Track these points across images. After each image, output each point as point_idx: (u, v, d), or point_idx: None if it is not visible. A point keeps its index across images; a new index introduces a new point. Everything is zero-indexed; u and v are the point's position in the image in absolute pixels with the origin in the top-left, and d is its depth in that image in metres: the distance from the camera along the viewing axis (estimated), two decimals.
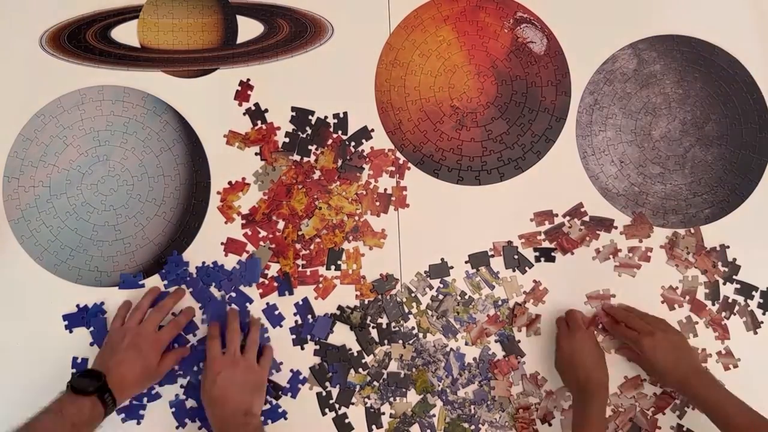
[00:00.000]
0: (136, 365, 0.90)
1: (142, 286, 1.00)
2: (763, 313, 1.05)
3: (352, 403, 1.00)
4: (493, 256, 1.04)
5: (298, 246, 1.03)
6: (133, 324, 0.94)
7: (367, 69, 1.08)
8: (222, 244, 1.02)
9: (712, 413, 0.88)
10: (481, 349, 1.02)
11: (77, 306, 1.00)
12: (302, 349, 1.00)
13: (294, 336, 1.00)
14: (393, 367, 1.01)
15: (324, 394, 0.99)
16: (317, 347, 1.00)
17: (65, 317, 0.99)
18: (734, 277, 1.05)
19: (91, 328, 0.99)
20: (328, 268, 1.02)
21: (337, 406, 0.99)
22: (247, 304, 1.01)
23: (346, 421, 0.99)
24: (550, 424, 1.01)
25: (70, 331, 0.99)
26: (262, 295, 1.01)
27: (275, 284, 1.02)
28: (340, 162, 1.05)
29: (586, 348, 0.95)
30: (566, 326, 0.99)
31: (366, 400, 1.00)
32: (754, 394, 0.88)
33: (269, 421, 0.98)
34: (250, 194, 1.04)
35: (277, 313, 1.01)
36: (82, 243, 1.01)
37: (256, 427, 0.89)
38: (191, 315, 0.99)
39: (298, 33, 1.08)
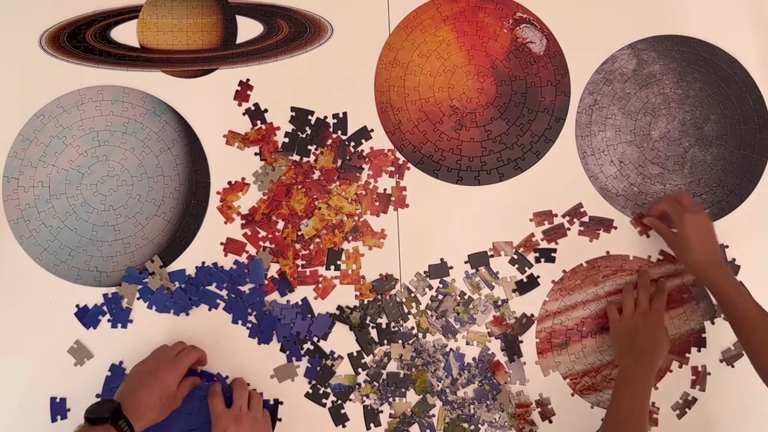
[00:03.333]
0: (153, 390, 0.88)
1: (145, 283, 1.00)
2: None
3: (350, 400, 1.00)
4: (492, 256, 1.04)
5: (297, 246, 1.03)
6: (150, 357, 0.94)
7: (367, 69, 1.08)
8: (221, 244, 1.02)
9: (720, 301, 0.94)
10: (481, 348, 1.02)
11: (76, 306, 1.00)
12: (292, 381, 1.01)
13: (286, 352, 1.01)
14: (392, 367, 1.01)
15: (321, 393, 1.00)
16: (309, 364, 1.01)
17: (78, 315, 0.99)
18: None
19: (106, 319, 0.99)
20: (327, 268, 1.03)
21: (335, 399, 1.00)
22: (249, 305, 1.01)
23: (342, 411, 0.99)
24: (550, 421, 1.01)
25: (87, 327, 0.99)
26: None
27: (274, 284, 1.02)
28: (339, 162, 1.05)
29: (661, 329, 0.98)
30: (647, 298, 1.00)
31: (364, 398, 1.00)
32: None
33: None
34: (250, 194, 1.04)
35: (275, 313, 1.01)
36: (82, 243, 1.01)
37: None
38: (204, 354, 0.98)
39: (298, 33, 1.08)
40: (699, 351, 1.03)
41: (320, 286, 1.02)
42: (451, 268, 1.04)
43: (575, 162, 1.08)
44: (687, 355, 1.03)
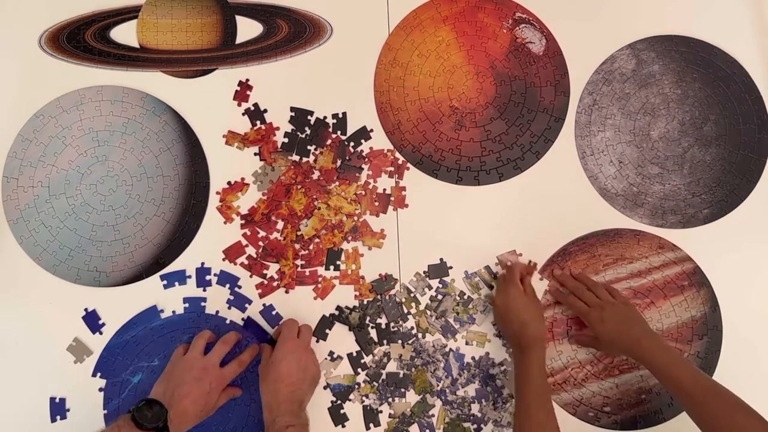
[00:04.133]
0: (200, 401, 0.87)
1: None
2: None
3: (350, 400, 1.00)
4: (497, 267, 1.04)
5: (297, 246, 1.03)
6: (197, 355, 0.92)
7: (366, 69, 1.08)
8: (222, 252, 1.02)
9: (661, 376, 0.88)
10: (483, 346, 1.02)
11: (84, 309, 1.00)
12: None
13: None
14: (392, 367, 1.01)
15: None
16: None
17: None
18: None
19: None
20: (327, 269, 1.03)
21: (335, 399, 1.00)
22: (246, 305, 1.01)
23: (341, 411, 0.99)
24: None
25: (94, 332, 0.99)
26: (261, 296, 1.01)
27: (274, 284, 1.02)
28: (339, 162, 1.05)
29: (521, 301, 0.96)
30: (510, 276, 0.99)
31: (364, 398, 1.00)
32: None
33: None
34: (249, 194, 1.04)
35: (274, 313, 1.01)
36: (81, 243, 1.01)
37: (303, 426, 0.88)
38: (255, 353, 0.97)
39: (297, 33, 1.08)
40: (701, 339, 1.03)
41: (320, 286, 1.02)
42: (451, 268, 1.04)
43: (575, 162, 1.08)
44: (689, 342, 1.03)
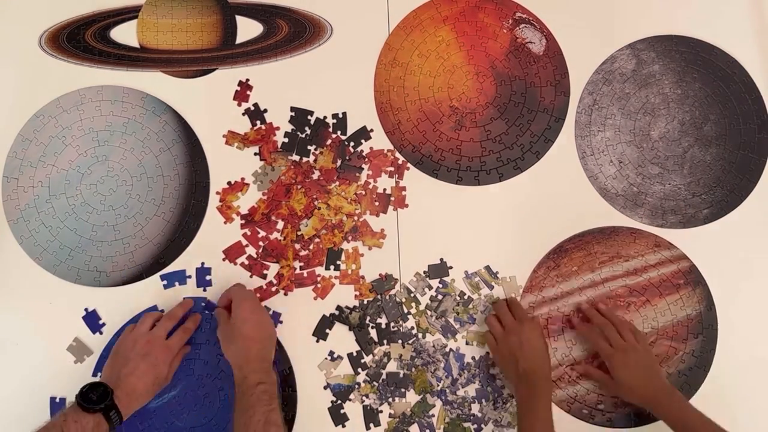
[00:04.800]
0: (147, 375, 0.88)
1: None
2: None
3: (350, 400, 1.00)
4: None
5: (297, 246, 1.03)
6: (144, 330, 0.93)
7: (366, 69, 1.08)
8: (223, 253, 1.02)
9: (678, 427, 0.89)
10: (483, 346, 1.02)
11: (85, 309, 1.00)
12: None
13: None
14: (392, 367, 1.01)
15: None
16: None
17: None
18: None
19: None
20: (327, 268, 1.03)
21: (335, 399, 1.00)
22: None
23: (342, 411, 0.99)
24: None
25: (94, 332, 0.99)
26: (260, 300, 1.01)
27: (273, 290, 1.02)
28: (339, 162, 1.05)
29: (534, 339, 0.95)
30: (511, 316, 0.98)
31: (364, 398, 1.00)
32: None
33: None
34: (250, 194, 1.04)
35: (272, 312, 1.01)
36: (81, 243, 1.01)
37: (273, 384, 0.89)
38: (198, 321, 0.98)
39: (297, 33, 1.08)
40: (696, 338, 1.03)
41: (319, 286, 1.02)
42: (451, 268, 1.04)
43: (575, 162, 1.08)
44: (684, 341, 1.03)
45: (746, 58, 1.11)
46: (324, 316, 1.01)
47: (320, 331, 1.01)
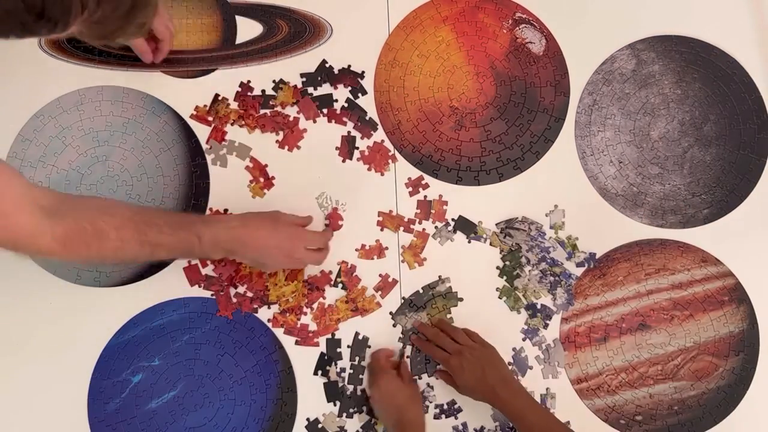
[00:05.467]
0: (272, 243, 0.92)
1: None
2: None
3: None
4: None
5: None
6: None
7: (366, 69, 1.08)
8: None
9: (515, 420, 0.90)
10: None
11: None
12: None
13: None
14: None
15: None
16: None
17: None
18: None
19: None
20: (335, 286, 1.02)
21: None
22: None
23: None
24: None
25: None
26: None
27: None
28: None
29: (393, 386, 0.95)
30: (378, 366, 0.98)
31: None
32: None
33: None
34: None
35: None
36: None
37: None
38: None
39: (298, 33, 1.08)
40: (737, 355, 1.04)
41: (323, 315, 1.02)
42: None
43: (574, 162, 1.08)
44: (725, 358, 1.04)
45: (746, 58, 1.11)
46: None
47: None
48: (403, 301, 1.02)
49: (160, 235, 0.85)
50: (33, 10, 0.48)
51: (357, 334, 1.01)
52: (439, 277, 1.03)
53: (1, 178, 0.73)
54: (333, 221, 1.03)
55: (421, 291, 1.03)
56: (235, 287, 1.01)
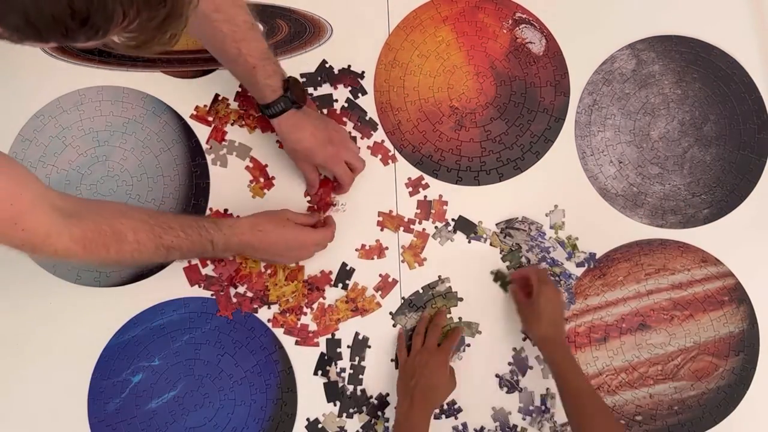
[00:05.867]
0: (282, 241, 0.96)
1: None
2: None
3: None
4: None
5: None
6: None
7: (366, 69, 1.08)
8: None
9: (557, 375, 0.92)
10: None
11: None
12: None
13: None
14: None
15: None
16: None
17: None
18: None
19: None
20: (335, 285, 1.02)
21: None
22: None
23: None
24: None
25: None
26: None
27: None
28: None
29: (442, 371, 0.96)
30: (434, 341, 0.99)
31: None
32: None
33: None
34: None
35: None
36: None
37: None
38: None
39: (298, 33, 1.08)
40: (737, 355, 1.04)
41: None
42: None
43: (574, 162, 1.08)
44: (725, 358, 1.04)
45: (746, 58, 1.11)
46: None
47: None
48: (402, 301, 1.02)
49: (176, 239, 0.87)
50: (78, 16, 0.49)
51: (357, 334, 1.01)
52: (439, 277, 1.03)
53: (18, 180, 0.74)
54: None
55: (421, 291, 1.03)
56: (235, 287, 1.01)
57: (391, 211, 1.04)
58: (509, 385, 1.01)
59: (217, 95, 1.05)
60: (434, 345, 0.98)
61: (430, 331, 0.99)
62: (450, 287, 1.03)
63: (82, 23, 0.49)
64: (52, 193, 0.80)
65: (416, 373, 0.94)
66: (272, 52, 0.93)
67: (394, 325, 1.02)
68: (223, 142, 1.04)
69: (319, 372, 1.00)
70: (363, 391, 1.00)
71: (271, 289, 1.00)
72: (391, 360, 1.01)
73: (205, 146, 1.04)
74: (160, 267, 1.01)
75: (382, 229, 1.04)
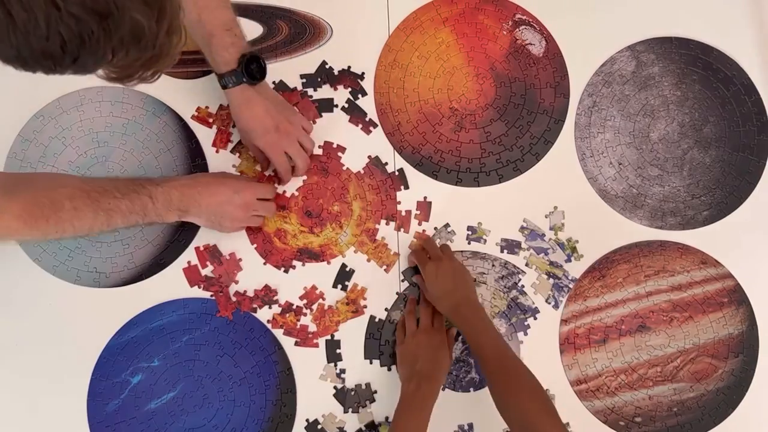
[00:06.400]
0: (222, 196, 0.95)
1: None
2: None
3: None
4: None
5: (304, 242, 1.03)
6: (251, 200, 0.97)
7: (366, 70, 1.08)
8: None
9: (470, 339, 0.93)
10: None
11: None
12: None
13: None
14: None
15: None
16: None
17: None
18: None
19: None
20: (334, 287, 1.03)
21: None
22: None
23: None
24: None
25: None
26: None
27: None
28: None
29: (443, 348, 0.97)
30: (431, 314, 0.99)
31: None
32: None
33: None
34: None
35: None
36: (81, 244, 1.01)
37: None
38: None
39: (298, 34, 1.08)
40: (737, 357, 1.04)
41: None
42: None
43: (574, 164, 1.08)
44: (725, 359, 1.04)
45: (746, 60, 1.11)
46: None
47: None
48: (397, 296, 1.02)
49: (113, 200, 0.86)
50: (70, 56, 0.51)
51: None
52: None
53: None
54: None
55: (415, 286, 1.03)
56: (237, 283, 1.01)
57: (391, 212, 1.04)
58: None
59: (221, 105, 1.05)
60: (429, 325, 0.98)
61: (422, 311, 1.00)
62: None
63: (72, 62, 0.51)
64: None
65: (420, 355, 0.94)
66: (238, 24, 0.92)
67: (390, 321, 1.02)
68: (229, 143, 1.04)
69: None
70: (364, 388, 1.00)
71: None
72: (389, 356, 1.01)
73: (210, 149, 1.04)
74: (160, 267, 1.01)
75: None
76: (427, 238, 1.03)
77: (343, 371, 1.01)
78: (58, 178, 0.87)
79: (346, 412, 1.00)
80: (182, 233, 1.02)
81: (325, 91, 1.07)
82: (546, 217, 1.06)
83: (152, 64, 0.57)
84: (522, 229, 1.05)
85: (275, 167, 0.99)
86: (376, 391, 1.00)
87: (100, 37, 0.50)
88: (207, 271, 1.02)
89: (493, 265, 1.04)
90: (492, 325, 0.94)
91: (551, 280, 1.04)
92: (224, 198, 0.94)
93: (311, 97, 1.06)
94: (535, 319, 1.03)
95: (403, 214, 1.05)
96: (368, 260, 1.03)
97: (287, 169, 0.99)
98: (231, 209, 0.95)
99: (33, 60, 0.51)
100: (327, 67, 1.07)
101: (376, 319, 1.02)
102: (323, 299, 1.02)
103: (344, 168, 1.05)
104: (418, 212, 1.05)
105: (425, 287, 0.99)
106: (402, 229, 1.04)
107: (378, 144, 1.06)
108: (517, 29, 1.10)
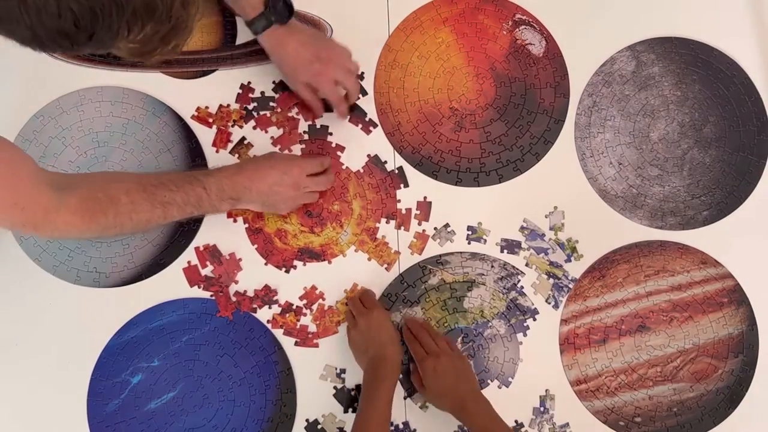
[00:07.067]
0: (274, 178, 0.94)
1: None
2: None
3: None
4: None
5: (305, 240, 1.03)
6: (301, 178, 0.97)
7: (366, 70, 1.08)
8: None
9: None
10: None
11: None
12: None
13: None
14: None
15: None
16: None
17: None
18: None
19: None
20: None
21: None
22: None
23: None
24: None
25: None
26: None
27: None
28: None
29: (384, 324, 0.95)
30: (361, 304, 0.98)
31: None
32: None
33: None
34: None
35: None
36: (81, 244, 1.01)
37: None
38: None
39: None
40: (736, 357, 1.04)
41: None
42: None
43: (574, 164, 1.08)
44: (724, 359, 1.04)
45: (746, 60, 1.11)
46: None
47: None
48: (397, 296, 1.02)
49: (168, 193, 0.88)
50: (84, 32, 0.51)
51: None
52: (429, 268, 1.03)
53: (15, 161, 0.75)
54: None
55: (414, 286, 1.03)
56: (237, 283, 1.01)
57: (391, 212, 1.05)
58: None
59: (221, 105, 1.05)
60: (363, 309, 0.97)
61: (421, 337, 0.98)
62: (443, 279, 1.03)
63: (88, 38, 0.52)
64: (44, 171, 0.81)
65: (367, 340, 0.94)
66: None
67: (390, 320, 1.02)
68: (229, 143, 1.04)
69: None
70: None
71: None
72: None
73: (210, 149, 1.04)
74: (160, 267, 1.01)
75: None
76: (420, 329, 0.98)
77: (343, 371, 1.01)
78: (113, 174, 0.90)
79: (346, 412, 1.00)
80: (182, 233, 1.02)
81: None
82: (546, 217, 1.06)
83: (171, 37, 0.57)
84: (522, 229, 1.05)
85: (327, 97, 0.99)
86: None
87: (112, 11, 0.50)
88: (207, 271, 1.02)
89: (492, 267, 1.04)
90: (497, 414, 0.90)
91: (551, 280, 1.04)
92: (273, 180, 0.94)
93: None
94: (534, 320, 1.03)
95: (404, 212, 1.05)
96: (369, 259, 1.03)
97: (340, 97, 0.99)
98: (282, 190, 0.95)
99: (49, 39, 0.51)
100: None
101: None
102: (323, 299, 1.02)
103: (344, 167, 1.05)
104: (418, 212, 1.05)
105: (423, 385, 0.94)
106: (402, 227, 1.04)
107: (378, 144, 1.06)
108: (517, 29, 1.10)
